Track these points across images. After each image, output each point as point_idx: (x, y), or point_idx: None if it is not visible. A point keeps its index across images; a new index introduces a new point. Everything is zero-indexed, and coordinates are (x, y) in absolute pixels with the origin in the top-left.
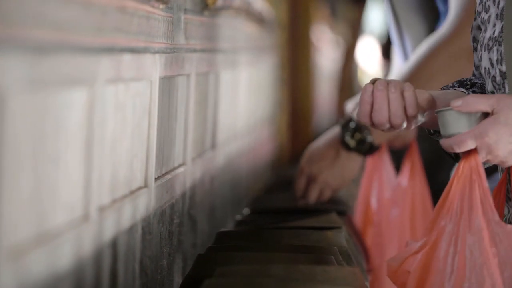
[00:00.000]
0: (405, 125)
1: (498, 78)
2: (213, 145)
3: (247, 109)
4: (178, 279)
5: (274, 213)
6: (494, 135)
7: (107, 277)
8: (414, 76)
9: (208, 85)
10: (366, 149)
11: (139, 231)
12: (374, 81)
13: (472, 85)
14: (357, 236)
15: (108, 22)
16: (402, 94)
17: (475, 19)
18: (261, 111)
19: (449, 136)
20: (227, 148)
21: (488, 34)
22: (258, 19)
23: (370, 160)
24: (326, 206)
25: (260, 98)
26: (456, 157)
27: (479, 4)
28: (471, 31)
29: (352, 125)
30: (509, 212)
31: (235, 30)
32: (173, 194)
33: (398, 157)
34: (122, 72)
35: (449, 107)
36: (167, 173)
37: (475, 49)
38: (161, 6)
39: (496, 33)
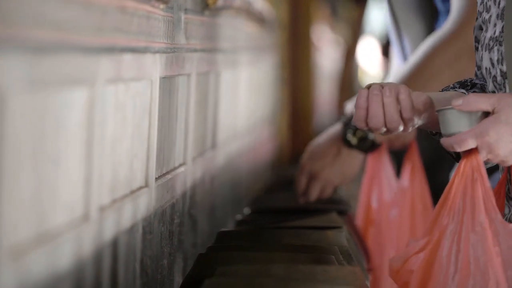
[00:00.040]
0: (401, 128)
1: (499, 78)
2: (214, 145)
3: (248, 108)
4: (178, 279)
5: (274, 213)
6: (494, 134)
7: (107, 277)
8: (415, 76)
9: (208, 85)
10: (368, 146)
11: (140, 230)
12: (369, 86)
13: (473, 86)
14: (358, 235)
15: (108, 22)
16: (397, 97)
17: (476, 19)
18: (262, 110)
19: (449, 135)
20: (228, 148)
21: (489, 34)
22: (258, 19)
23: (370, 161)
24: (326, 205)
25: (261, 98)
26: (457, 156)
27: (480, 4)
28: (473, 31)
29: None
30: (509, 211)
31: (236, 30)
32: (173, 193)
33: (398, 158)
34: (122, 72)
35: (450, 106)
36: (167, 172)
37: (476, 49)
38: (162, 6)
39: (497, 33)
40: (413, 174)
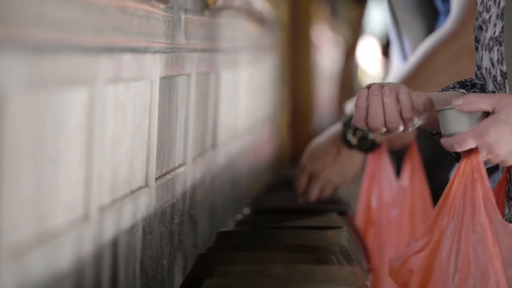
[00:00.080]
0: (401, 128)
1: (499, 78)
2: (214, 145)
3: (248, 108)
4: (178, 279)
5: (274, 213)
6: (494, 134)
7: (107, 277)
8: (415, 75)
9: (208, 85)
10: (368, 146)
11: (140, 230)
12: (369, 86)
13: (473, 86)
14: (358, 235)
15: (108, 22)
16: (397, 97)
17: (476, 19)
18: (262, 110)
19: (449, 135)
20: (228, 148)
21: (489, 34)
22: (258, 19)
23: (370, 161)
24: (326, 206)
25: (261, 98)
26: (457, 156)
27: (480, 4)
28: (474, 31)
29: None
30: (510, 211)
31: (236, 30)
32: (173, 193)
33: (398, 158)
34: (122, 72)
35: (450, 106)
36: (167, 173)
37: (476, 49)
38: (162, 6)
39: (497, 33)
40: (413, 174)
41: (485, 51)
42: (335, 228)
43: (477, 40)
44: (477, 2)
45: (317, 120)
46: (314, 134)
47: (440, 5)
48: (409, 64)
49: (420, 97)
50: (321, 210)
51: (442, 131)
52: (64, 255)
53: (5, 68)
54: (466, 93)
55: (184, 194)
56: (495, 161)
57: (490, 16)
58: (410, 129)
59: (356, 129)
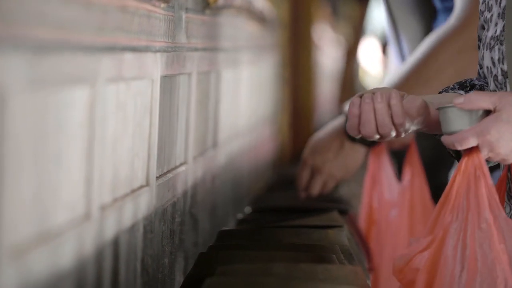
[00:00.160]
0: (393, 134)
1: (499, 77)
2: (215, 144)
3: (249, 108)
4: (179, 278)
5: (275, 212)
6: (496, 132)
7: (108, 276)
8: (419, 71)
9: (209, 84)
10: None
11: (141, 229)
12: (361, 95)
13: (472, 87)
14: (359, 234)
15: (109, 21)
16: (389, 103)
17: (479, 18)
18: (262, 110)
19: (450, 133)
20: (229, 147)
21: (490, 33)
22: (259, 18)
23: (371, 161)
24: (327, 204)
25: (262, 97)
26: (457, 155)
27: (482, 3)
28: (477, 29)
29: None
30: (510, 210)
31: (237, 29)
32: (174, 192)
33: (398, 158)
34: (123, 71)
35: (451, 104)
36: (168, 171)
37: (478, 47)
38: (162, 5)
39: (498, 32)
40: (413, 174)
41: (486, 50)
42: (336, 227)
43: (479, 39)
44: (479, 0)
45: (318, 119)
46: (315, 133)
47: (438, 3)
48: (412, 60)
49: (414, 102)
50: (322, 209)
51: (443, 129)
52: (65, 254)
53: (6, 67)
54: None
55: (185, 193)
56: (496, 159)
57: (492, 15)
58: (403, 135)
59: None
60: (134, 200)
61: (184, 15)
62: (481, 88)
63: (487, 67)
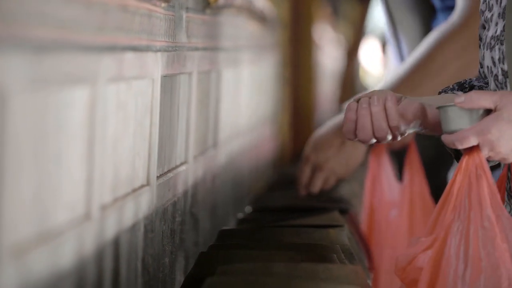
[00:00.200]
0: (389, 137)
1: (500, 77)
2: (215, 144)
3: (249, 107)
4: (180, 277)
5: (276, 211)
6: (496, 131)
7: (109, 276)
8: (423, 68)
9: (210, 84)
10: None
11: (141, 229)
12: (358, 99)
13: (471, 88)
14: (359, 234)
15: (109, 21)
16: (384, 106)
17: (480, 17)
18: (263, 109)
19: (451, 132)
20: (229, 147)
21: (490, 32)
22: (260, 17)
23: (371, 161)
24: (328, 204)
25: (262, 97)
26: (456, 155)
27: (483, 3)
28: (478, 29)
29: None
30: (510, 209)
31: (237, 29)
32: (175, 192)
33: (398, 158)
34: (124, 71)
35: (452, 103)
36: (169, 171)
37: (479, 47)
38: (163, 4)
39: (498, 32)
40: (413, 174)
41: (487, 49)
42: (337, 227)
43: (480, 39)
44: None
45: (318, 119)
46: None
47: (437, 3)
48: (416, 56)
49: (410, 105)
50: (323, 208)
51: (443, 128)
52: (65, 254)
53: (7, 67)
54: None
55: (185, 193)
56: (496, 158)
57: (492, 15)
58: (399, 138)
59: None
60: (135, 199)
61: (184, 15)
62: (481, 89)
63: (488, 67)
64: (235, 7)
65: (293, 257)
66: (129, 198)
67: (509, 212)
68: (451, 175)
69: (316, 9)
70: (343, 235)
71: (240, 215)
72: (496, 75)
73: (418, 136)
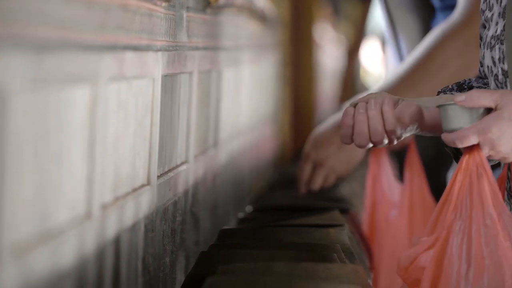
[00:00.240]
0: (386, 141)
1: (500, 77)
2: (216, 143)
3: (250, 107)
4: (180, 277)
5: (276, 211)
6: (497, 130)
7: (109, 275)
8: (423, 66)
9: (210, 83)
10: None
11: (142, 229)
12: (355, 104)
13: (470, 89)
14: (360, 233)
15: (110, 20)
16: (381, 109)
17: (480, 17)
18: (264, 109)
19: (451, 131)
20: (230, 146)
21: (490, 32)
22: (260, 17)
23: (371, 161)
24: (329, 203)
25: (263, 96)
26: (455, 155)
27: (483, 2)
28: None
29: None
30: (510, 209)
31: (238, 28)
32: (175, 192)
33: (398, 158)
34: (125, 70)
35: (452, 102)
36: (169, 171)
37: (480, 46)
38: (164, 4)
39: (498, 31)
40: (413, 174)
41: (487, 49)
42: (337, 226)
43: (480, 38)
44: None
45: (319, 118)
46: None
47: (437, 2)
48: (416, 55)
49: (408, 108)
50: (323, 208)
51: (443, 127)
52: (66, 253)
53: (7, 66)
54: None
55: (186, 192)
56: (497, 157)
57: (492, 14)
58: (395, 142)
59: None
60: (135, 199)
61: (185, 14)
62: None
63: (488, 66)
64: (235, 7)
65: (294, 256)
66: (130, 197)
67: (509, 211)
68: (451, 175)
69: (316, 8)
70: (344, 235)
71: (241, 215)
72: (496, 75)
73: (418, 136)
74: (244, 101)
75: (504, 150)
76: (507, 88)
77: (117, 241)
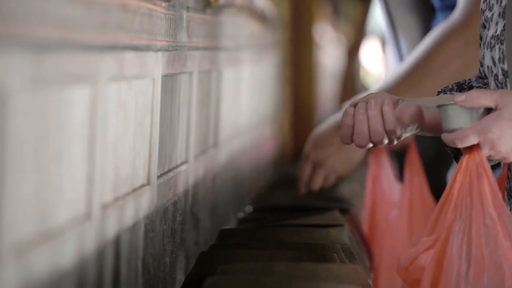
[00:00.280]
0: (386, 141)
1: (500, 77)
2: (216, 143)
3: (250, 107)
4: (180, 277)
5: (276, 211)
6: (497, 130)
7: (109, 275)
8: (423, 66)
9: (210, 83)
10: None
11: (142, 229)
12: (355, 104)
13: (470, 89)
14: (360, 233)
15: (110, 20)
16: (381, 109)
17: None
18: (264, 109)
19: (451, 131)
20: (230, 146)
21: (490, 32)
22: (260, 17)
23: (371, 161)
24: (329, 204)
25: (263, 96)
26: (455, 156)
27: (483, 2)
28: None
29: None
30: (510, 209)
31: (238, 28)
32: (175, 192)
33: (398, 158)
34: (125, 70)
35: (452, 102)
36: (169, 171)
37: (480, 46)
38: (164, 4)
39: (498, 31)
40: (413, 174)
41: (487, 49)
42: (337, 226)
43: (480, 38)
44: None
45: (319, 118)
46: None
47: (436, 2)
48: (416, 54)
49: (408, 108)
50: (323, 208)
51: (443, 127)
52: (66, 253)
53: (7, 66)
54: None
55: (186, 192)
56: (497, 157)
57: (492, 14)
58: (395, 142)
59: None
60: (135, 199)
61: (185, 14)
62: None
63: (488, 66)
64: (235, 7)
65: (294, 256)
66: (130, 197)
67: (509, 211)
68: (451, 175)
69: (316, 8)
70: (344, 235)
71: (241, 215)
72: (496, 75)
73: (418, 136)
74: (244, 101)
75: (504, 150)
76: (507, 88)
77: (117, 241)
